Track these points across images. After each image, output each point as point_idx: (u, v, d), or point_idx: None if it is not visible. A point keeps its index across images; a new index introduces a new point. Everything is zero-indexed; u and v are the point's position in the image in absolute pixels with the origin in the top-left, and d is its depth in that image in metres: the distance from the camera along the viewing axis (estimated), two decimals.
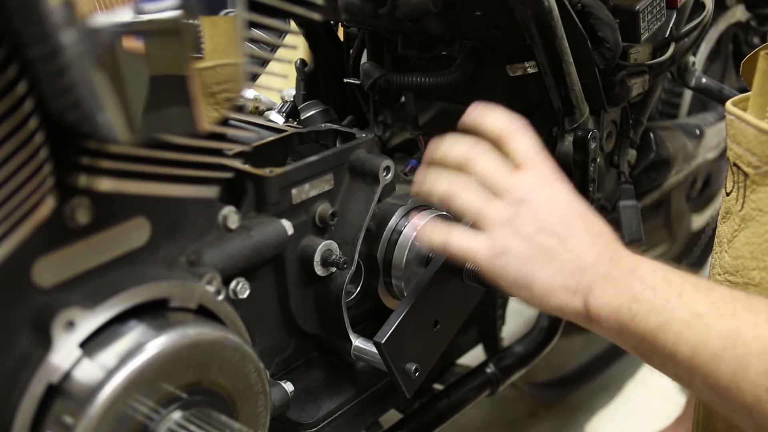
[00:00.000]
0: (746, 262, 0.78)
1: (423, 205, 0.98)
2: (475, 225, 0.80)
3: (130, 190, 0.66)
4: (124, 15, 0.56)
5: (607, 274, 0.74)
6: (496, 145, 0.82)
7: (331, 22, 1.24)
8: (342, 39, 1.26)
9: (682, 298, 0.69)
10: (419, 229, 0.83)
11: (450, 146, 0.83)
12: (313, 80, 1.28)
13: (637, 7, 1.07)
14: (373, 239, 0.95)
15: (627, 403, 1.70)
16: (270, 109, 1.12)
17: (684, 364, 0.68)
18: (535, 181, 0.79)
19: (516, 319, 1.54)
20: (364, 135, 0.94)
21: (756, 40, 1.50)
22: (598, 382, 1.72)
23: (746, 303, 0.68)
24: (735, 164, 0.78)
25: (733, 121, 0.78)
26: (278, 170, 0.83)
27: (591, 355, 1.74)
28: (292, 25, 1.05)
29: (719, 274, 0.82)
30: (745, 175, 0.77)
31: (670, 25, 1.15)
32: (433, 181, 0.82)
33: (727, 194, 0.81)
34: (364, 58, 1.22)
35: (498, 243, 0.77)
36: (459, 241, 0.79)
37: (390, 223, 0.95)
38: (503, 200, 0.78)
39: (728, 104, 0.79)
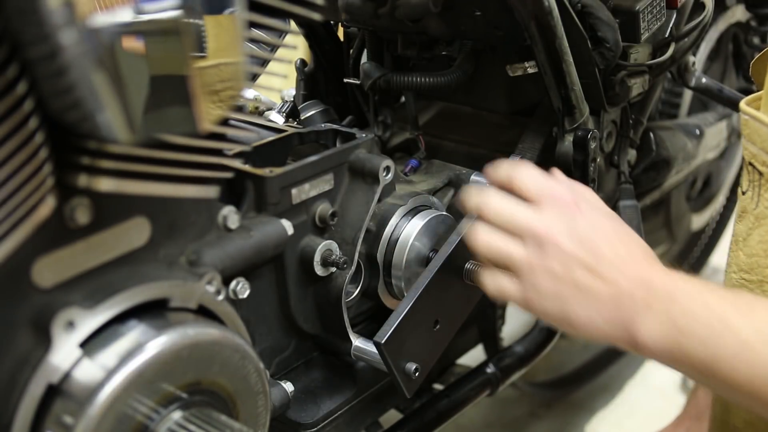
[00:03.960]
0: (760, 260, 0.78)
1: (423, 205, 0.98)
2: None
3: (130, 190, 0.66)
4: (124, 15, 0.56)
5: (646, 305, 0.73)
6: (508, 189, 0.83)
7: (331, 22, 1.24)
8: (342, 39, 1.26)
9: (725, 324, 0.68)
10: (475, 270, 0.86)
11: (465, 197, 0.85)
12: (313, 80, 1.28)
13: (637, 7, 1.07)
14: (373, 239, 0.95)
15: (627, 403, 1.70)
16: (270, 109, 1.12)
17: (743, 390, 0.67)
18: (552, 214, 0.79)
19: (516, 319, 1.54)
20: (364, 135, 0.94)
21: (756, 40, 1.50)
22: (598, 382, 1.72)
23: None
24: (750, 164, 0.78)
25: (748, 121, 0.78)
26: (278, 170, 0.83)
27: (591, 355, 1.74)
28: (292, 25, 1.05)
29: (734, 272, 0.82)
30: (760, 174, 0.77)
31: (670, 25, 1.15)
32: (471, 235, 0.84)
33: (743, 193, 0.81)
34: (364, 58, 1.22)
35: (530, 286, 0.78)
36: (496, 287, 0.81)
37: (390, 223, 0.95)
38: (525, 241, 0.79)
39: (742, 104, 0.79)
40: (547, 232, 0.77)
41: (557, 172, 0.86)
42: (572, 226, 0.77)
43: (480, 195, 0.83)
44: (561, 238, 0.77)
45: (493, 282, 0.81)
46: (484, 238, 0.81)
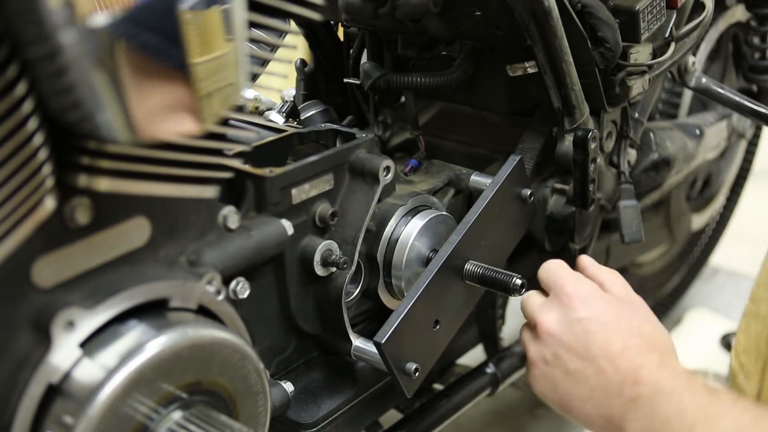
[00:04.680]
0: None
1: (423, 205, 0.98)
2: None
3: (130, 190, 0.66)
4: None
5: (632, 399, 0.77)
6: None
7: (331, 22, 1.24)
8: (342, 39, 1.26)
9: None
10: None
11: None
12: (313, 80, 1.28)
13: (637, 7, 1.07)
14: (373, 239, 0.95)
15: None
16: (270, 109, 1.12)
17: None
18: (552, 304, 0.86)
19: (516, 319, 1.53)
20: (364, 135, 0.94)
21: (756, 40, 1.50)
22: None
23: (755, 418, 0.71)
24: None
25: None
26: (278, 170, 0.83)
27: None
28: (292, 25, 1.05)
29: None
30: None
31: (670, 25, 1.15)
32: None
33: None
34: (364, 58, 1.22)
35: (530, 372, 0.87)
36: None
37: (390, 223, 0.95)
38: (536, 333, 0.87)
39: None
40: (542, 321, 0.85)
41: (583, 259, 0.93)
42: (568, 315, 0.83)
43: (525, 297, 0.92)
44: (553, 327, 0.83)
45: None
46: (521, 331, 0.92)
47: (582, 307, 0.83)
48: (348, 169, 0.91)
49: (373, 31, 1.17)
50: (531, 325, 0.89)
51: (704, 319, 1.74)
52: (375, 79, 1.13)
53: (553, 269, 0.89)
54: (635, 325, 0.82)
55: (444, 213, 0.99)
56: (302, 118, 1.16)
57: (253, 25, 0.67)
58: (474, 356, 1.26)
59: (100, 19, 0.53)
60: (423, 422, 1.08)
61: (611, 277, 0.90)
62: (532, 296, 0.90)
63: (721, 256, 1.89)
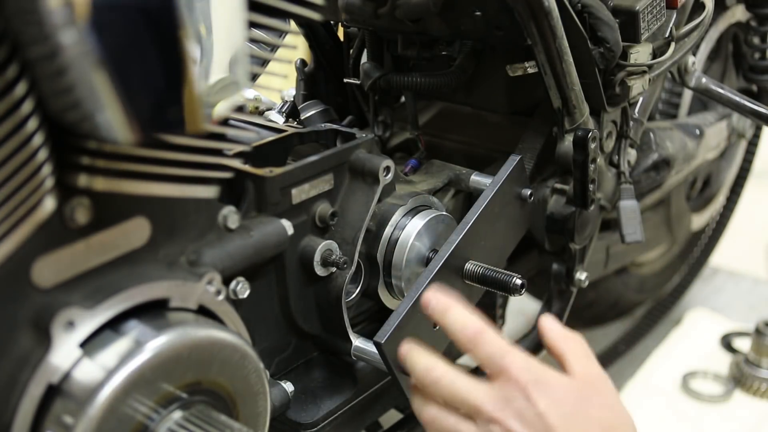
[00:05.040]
0: None
1: (423, 205, 0.98)
2: None
3: (129, 190, 0.66)
4: None
5: None
6: (467, 349, 0.76)
7: (331, 22, 1.24)
8: (342, 39, 1.26)
9: None
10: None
11: (413, 364, 0.78)
12: (313, 80, 1.28)
13: (637, 7, 1.07)
14: (373, 239, 0.95)
15: (627, 403, 1.70)
16: (270, 109, 1.12)
17: None
18: (505, 395, 0.73)
19: (516, 319, 1.54)
20: (364, 135, 0.94)
21: (756, 40, 1.50)
22: None
23: None
24: None
25: None
26: (278, 170, 0.84)
27: None
28: (292, 25, 1.05)
29: None
30: None
31: (670, 25, 1.15)
32: (415, 405, 0.79)
33: None
34: (364, 58, 1.22)
35: None
36: None
37: (390, 223, 0.95)
38: (475, 421, 0.73)
39: None
40: (496, 416, 0.72)
41: (545, 323, 0.79)
42: (521, 413, 0.72)
43: (429, 370, 0.76)
44: (510, 422, 0.71)
45: None
46: (431, 414, 0.76)
47: (540, 399, 0.72)
48: (348, 169, 0.91)
49: (373, 31, 1.17)
50: (478, 418, 0.73)
51: (704, 319, 1.74)
52: (375, 79, 1.14)
53: (499, 352, 0.74)
54: (596, 415, 0.76)
55: (444, 213, 0.99)
56: (302, 118, 1.16)
57: (253, 25, 0.67)
58: None
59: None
60: None
61: (574, 346, 0.78)
62: (472, 385, 0.74)
63: (721, 256, 1.89)
